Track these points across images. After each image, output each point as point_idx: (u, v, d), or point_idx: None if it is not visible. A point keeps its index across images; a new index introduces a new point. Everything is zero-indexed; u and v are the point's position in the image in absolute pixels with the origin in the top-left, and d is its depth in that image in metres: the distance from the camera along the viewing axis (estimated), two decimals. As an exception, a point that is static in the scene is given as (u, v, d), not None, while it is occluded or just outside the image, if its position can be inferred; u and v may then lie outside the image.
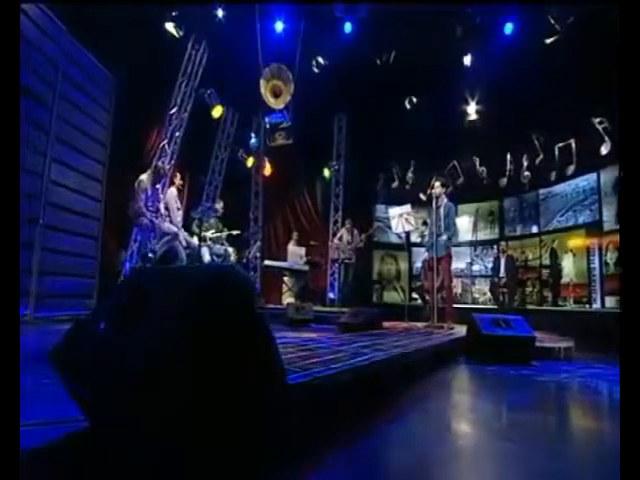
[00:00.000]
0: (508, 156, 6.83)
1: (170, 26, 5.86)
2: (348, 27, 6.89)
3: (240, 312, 0.81)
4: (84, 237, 4.19)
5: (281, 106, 4.55)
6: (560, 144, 6.12)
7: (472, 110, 7.07)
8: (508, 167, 6.80)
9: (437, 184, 4.50)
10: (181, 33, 5.92)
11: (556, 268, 5.86)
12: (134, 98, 4.87)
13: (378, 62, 6.89)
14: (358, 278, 6.51)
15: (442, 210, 4.49)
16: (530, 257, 6.25)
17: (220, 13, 6.05)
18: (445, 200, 4.55)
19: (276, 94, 4.39)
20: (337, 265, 6.31)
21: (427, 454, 0.97)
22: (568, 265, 5.76)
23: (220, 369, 0.77)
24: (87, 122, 4.32)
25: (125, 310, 0.86)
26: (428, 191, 4.59)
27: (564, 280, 5.76)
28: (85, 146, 4.27)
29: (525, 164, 6.63)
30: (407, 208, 4.40)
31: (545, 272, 6.01)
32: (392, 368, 1.42)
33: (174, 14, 5.85)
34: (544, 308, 5.82)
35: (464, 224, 7.18)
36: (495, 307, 5.74)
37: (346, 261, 5.85)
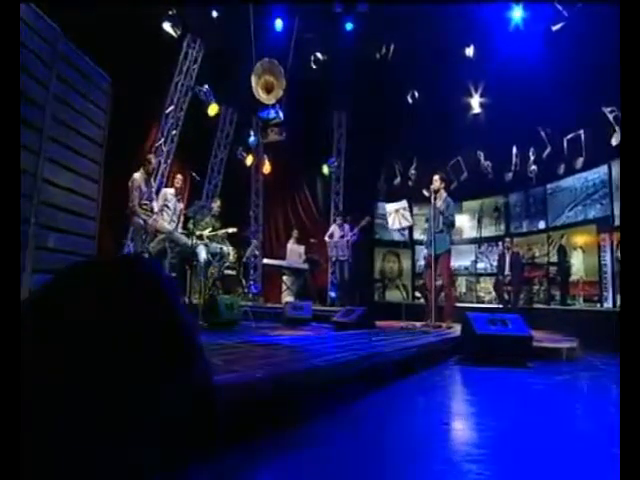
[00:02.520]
0: (514, 150, 6.59)
1: (167, 26, 5.87)
2: (349, 25, 6.80)
3: (147, 305, 0.74)
4: (80, 236, 4.19)
5: (273, 101, 4.48)
6: (569, 136, 5.87)
7: (476, 103, 6.86)
8: (514, 161, 6.56)
9: (436, 178, 4.37)
10: (178, 32, 5.93)
11: (565, 265, 5.62)
12: (131, 98, 4.88)
13: (377, 56, 6.76)
14: (357, 276, 6.40)
15: (441, 205, 4.34)
16: (537, 254, 6.01)
17: (215, 14, 6.03)
18: (444, 195, 4.41)
19: (268, 89, 4.33)
20: (333, 263, 6.20)
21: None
22: (577, 262, 5.51)
23: (131, 368, 0.70)
24: (83, 122, 4.32)
25: (37, 310, 0.80)
26: (431, 187, 4.45)
27: (573, 278, 5.51)
28: (81, 146, 4.28)
29: (532, 158, 6.38)
30: (403, 204, 4.28)
31: (553, 269, 5.76)
32: (357, 370, 1.32)
33: (171, 13, 5.85)
34: (552, 307, 5.59)
35: (469, 221, 6.98)
36: (500, 306, 5.54)
37: (341, 259, 5.74)
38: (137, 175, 4.25)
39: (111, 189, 4.59)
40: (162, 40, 5.45)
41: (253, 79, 4.36)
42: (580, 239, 5.52)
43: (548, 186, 6.06)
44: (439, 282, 4.43)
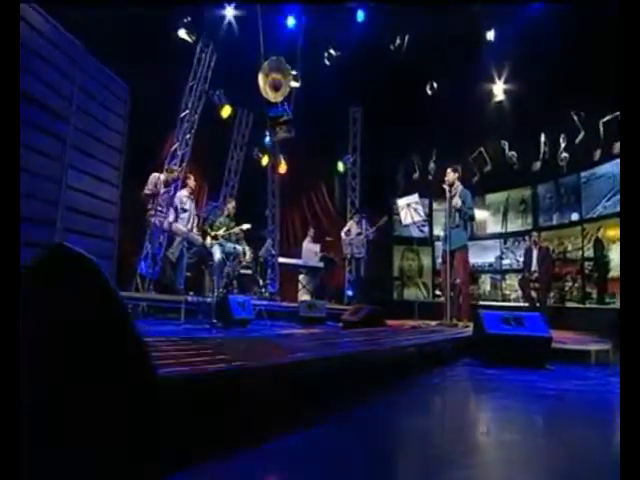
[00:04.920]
0: (542, 137, 6.13)
1: (183, 32, 6.05)
2: (360, 15, 6.69)
3: (77, 295, 0.72)
4: (101, 239, 4.47)
5: (280, 99, 4.48)
6: (605, 118, 5.35)
7: (499, 90, 6.47)
8: (542, 149, 6.10)
9: (449, 171, 4.20)
10: (194, 38, 6.11)
11: (602, 260, 5.12)
12: (148, 105, 5.10)
13: (392, 48, 6.56)
14: (375, 274, 6.25)
15: (456, 199, 4.14)
16: (570, 248, 5.54)
17: (230, 12, 6.14)
18: (460, 188, 4.20)
19: (276, 88, 4.34)
20: (349, 261, 6.10)
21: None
22: (617, 257, 5.01)
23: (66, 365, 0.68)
24: (103, 130, 4.60)
25: None
26: (445, 180, 4.27)
27: (612, 274, 5.01)
28: (101, 153, 4.56)
29: (562, 144, 5.90)
30: (415, 198, 4.12)
31: (588, 265, 5.28)
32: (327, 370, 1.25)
33: (186, 20, 6.03)
34: (587, 306, 5.12)
35: (493, 215, 6.60)
36: (526, 305, 5.17)
37: (357, 256, 5.63)
38: (161, 176, 4.51)
39: (130, 193, 4.84)
40: (177, 45, 5.63)
41: (260, 78, 4.40)
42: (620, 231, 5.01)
43: (582, 174, 5.57)
44: (458, 280, 4.22)
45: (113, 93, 4.73)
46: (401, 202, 4.21)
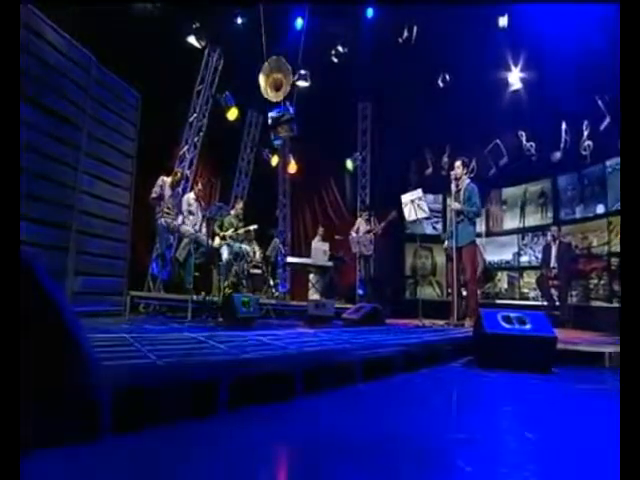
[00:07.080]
0: (563, 125, 5.76)
1: (192, 39, 6.22)
2: (370, 12, 6.62)
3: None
4: (114, 241, 4.68)
5: (281, 98, 4.50)
6: (634, 101, 4.94)
7: (515, 78, 6.16)
8: (563, 138, 5.74)
9: (458, 164, 4.04)
10: (203, 44, 6.26)
11: (631, 255, 4.73)
12: (159, 110, 5.29)
13: (400, 40, 6.41)
14: (387, 273, 6.14)
15: (463, 193, 3.98)
16: (595, 243, 5.16)
17: (240, 20, 6.24)
18: (467, 181, 4.04)
19: (277, 87, 4.36)
20: (358, 259, 6.02)
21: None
22: (648, 251, 4.61)
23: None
24: (115, 136, 4.82)
25: None
26: (452, 174, 4.12)
27: (643, 270, 4.61)
28: (113, 158, 4.77)
29: (586, 132, 5.52)
30: (418, 193, 3.99)
31: (615, 261, 4.90)
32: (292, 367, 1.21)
33: (195, 27, 6.19)
34: (615, 305, 4.75)
35: (510, 209, 6.28)
36: (545, 304, 4.87)
37: (365, 254, 5.55)
38: (167, 178, 4.66)
39: (142, 196, 5.03)
40: (186, 51, 5.78)
41: (261, 78, 4.43)
42: (651, 224, 4.60)
43: (607, 163, 5.18)
44: (467, 278, 4.04)
45: (124, 100, 4.93)
46: (405, 198, 4.09)
